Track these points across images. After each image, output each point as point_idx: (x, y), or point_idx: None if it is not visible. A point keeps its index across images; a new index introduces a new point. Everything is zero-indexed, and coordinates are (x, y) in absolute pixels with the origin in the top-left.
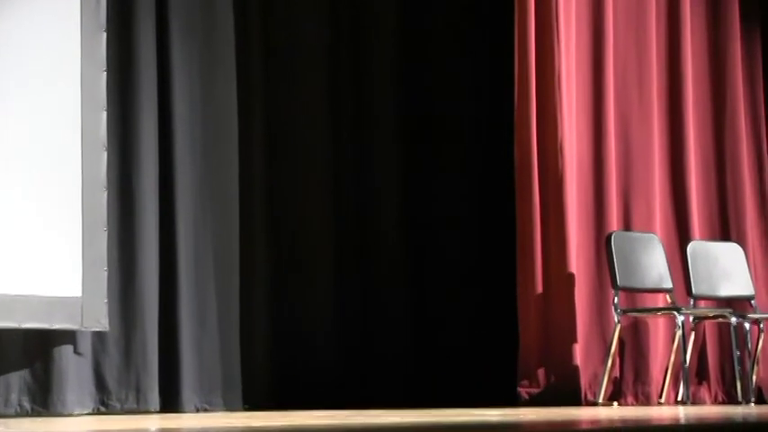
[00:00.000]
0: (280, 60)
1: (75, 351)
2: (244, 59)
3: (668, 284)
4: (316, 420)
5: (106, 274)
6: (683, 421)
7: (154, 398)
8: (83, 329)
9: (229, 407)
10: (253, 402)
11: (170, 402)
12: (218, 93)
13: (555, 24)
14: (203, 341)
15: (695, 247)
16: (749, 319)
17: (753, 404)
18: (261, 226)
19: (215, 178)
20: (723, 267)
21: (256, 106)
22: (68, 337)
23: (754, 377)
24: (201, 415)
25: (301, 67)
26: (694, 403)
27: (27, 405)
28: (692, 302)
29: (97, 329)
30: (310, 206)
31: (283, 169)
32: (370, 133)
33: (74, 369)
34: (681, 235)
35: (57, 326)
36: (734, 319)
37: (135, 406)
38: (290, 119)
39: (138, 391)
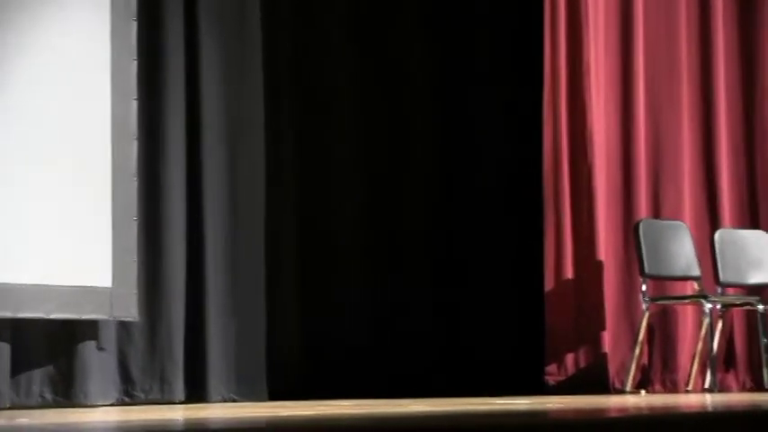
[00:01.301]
0: (309, 47)
1: (99, 347)
2: (272, 47)
3: (696, 272)
4: (342, 410)
5: (136, 264)
6: (710, 409)
7: (179, 388)
8: (112, 319)
9: (255, 397)
10: (279, 393)
11: (195, 393)
12: (246, 81)
13: (584, 11)
14: (229, 331)
15: (723, 235)
16: None
17: None
18: (288, 215)
19: (242, 167)
20: (751, 255)
21: (284, 95)
22: (92, 329)
23: None
24: (227, 405)
25: (330, 54)
26: (722, 391)
27: (49, 396)
28: (719, 290)
29: (127, 319)
30: (338, 194)
31: (312, 157)
32: (401, 124)
33: (97, 359)
34: (711, 223)
35: (86, 316)
36: (761, 307)
37: (160, 396)
38: (319, 107)
39: (163, 381)
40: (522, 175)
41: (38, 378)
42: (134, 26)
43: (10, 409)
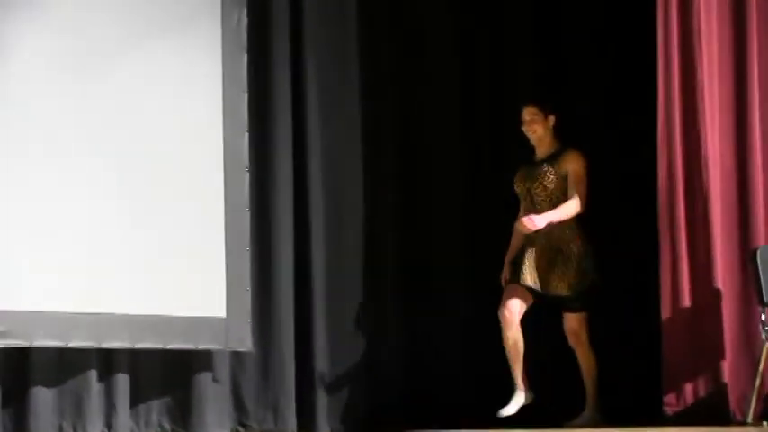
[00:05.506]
0: (411, 85)
1: (214, 379)
2: (374, 81)
3: None
4: None
5: (249, 294)
6: None
7: (291, 418)
8: (227, 350)
9: (365, 428)
10: (386, 424)
11: (306, 423)
12: (349, 112)
13: (697, 36)
14: (337, 361)
15: None
16: None
17: None
18: (391, 247)
19: (345, 198)
20: None
21: (387, 125)
22: (207, 359)
23: None
24: None
25: (435, 96)
26: None
27: (167, 426)
28: None
29: (241, 350)
30: (442, 231)
31: (414, 187)
32: (501, 148)
33: (212, 389)
34: None
35: (201, 346)
36: None
37: (272, 426)
38: (422, 142)
39: (276, 411)
40: (637, 202)
41: (156, 408)
42: (244, 58)
43: None
